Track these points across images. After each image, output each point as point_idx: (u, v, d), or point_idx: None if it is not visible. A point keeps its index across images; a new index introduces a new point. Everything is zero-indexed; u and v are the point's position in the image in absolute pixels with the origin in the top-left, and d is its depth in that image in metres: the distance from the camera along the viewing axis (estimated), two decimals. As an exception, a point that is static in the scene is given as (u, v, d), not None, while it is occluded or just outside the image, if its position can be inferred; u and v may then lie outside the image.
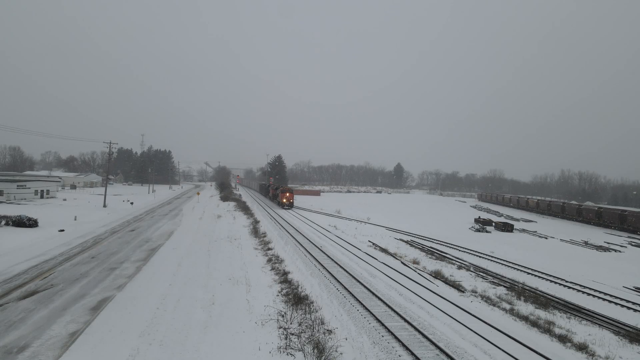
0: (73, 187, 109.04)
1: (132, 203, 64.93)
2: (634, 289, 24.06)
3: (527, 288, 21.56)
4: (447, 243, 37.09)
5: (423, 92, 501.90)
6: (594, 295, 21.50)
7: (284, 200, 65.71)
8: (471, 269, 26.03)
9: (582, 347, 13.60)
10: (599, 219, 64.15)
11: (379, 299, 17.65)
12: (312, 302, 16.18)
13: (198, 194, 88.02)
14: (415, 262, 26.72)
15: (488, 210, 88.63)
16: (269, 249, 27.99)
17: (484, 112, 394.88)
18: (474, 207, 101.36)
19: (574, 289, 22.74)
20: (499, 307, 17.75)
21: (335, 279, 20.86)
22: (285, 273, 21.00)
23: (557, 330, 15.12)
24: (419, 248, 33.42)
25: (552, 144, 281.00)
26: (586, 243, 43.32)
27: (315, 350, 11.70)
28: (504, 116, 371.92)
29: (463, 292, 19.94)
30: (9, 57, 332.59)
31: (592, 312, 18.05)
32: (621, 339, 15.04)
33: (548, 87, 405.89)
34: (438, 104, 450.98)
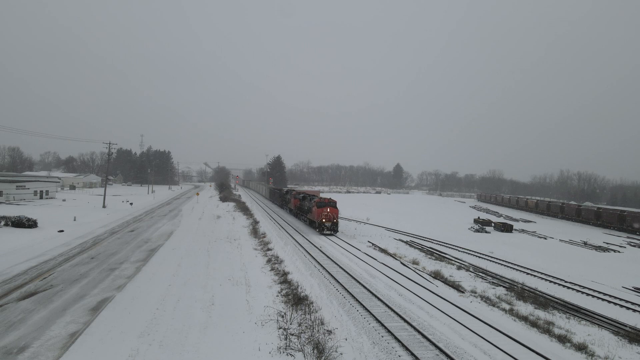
0: (72, 187, 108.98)
1: (131, 203, 64.91)
2: (633, 289, 24.10)
3: (527, 288, 21.59)
4: (446, 243, 37.12)
5: (423, 93, 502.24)
6: (593, 296, 21.54)
7: (323, 220, 37.62)
8: (471, 269, 26.05)
9: (581, 347, 13.62)
10: (598, 219, 64.23)
11: (379, 299, 17.66)
12: (312, 303, 16.19)
13: (197, 194, 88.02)
14: (415, 262, 26.74)
15: (487, 211, 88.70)
16: (269, 249, 28.00)
17: (483, 113, 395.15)
18: (473, 207, 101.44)
19: (573, 289, 22.78)
20: (498, 307, 17.77)
21: (335, 279, 20.87)
22: (285, 273, 21.00)
23: (556, 331, 15.14)
24: (418, 248, 33.44)
25: (551, 144, 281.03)
26: (585, 243, 43.37)
27: (315, 351, 11.70)
28: (503, 117, 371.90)
29: (463, 292, 19.96)
30: (9, 59, 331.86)
31: (592, 312, 18.09)
32: (620, 339, 15.06)
33: (549, 90, 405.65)
34: (437, 104, 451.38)
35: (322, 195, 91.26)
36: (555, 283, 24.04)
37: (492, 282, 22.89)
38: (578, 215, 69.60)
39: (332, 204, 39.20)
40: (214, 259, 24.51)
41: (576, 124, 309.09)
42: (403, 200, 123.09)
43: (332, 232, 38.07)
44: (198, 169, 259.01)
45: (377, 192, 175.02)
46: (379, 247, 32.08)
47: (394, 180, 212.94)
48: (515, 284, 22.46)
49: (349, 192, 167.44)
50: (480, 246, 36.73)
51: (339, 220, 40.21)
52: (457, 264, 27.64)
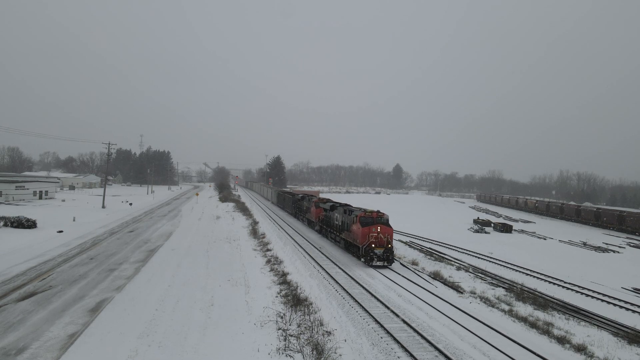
0: (72, 187, 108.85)
1: (130, 204, 64.90)
2: (632, 290, 24.11)
3: (526, 289, 21.59)
4: (446, 244, 37.14)
5: (423, 93, 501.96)
6: (592, 297, 21.55)
7: (372, 244, 24.67)
8: (470, 270, 26.05)
9: (580, 348, 13.61)
10: (597, 219, 64.27)
11: (378, 300, 17.66)
12: (311, 304, 16.18)
13: (197, 194, 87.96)
14: (414, 262, 26.73)
15: (487, 211, 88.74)
16: (268, 250, 27.99)
17: (483, 113, 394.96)
18: (473, 207, 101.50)
19: (572, 290, 22.79)
20: (497, 308, 17.76)
21: (335, 280, 20.87)
22: (284, 274, 20.99)
23: (555, 332, 15.13)
24: (417, 249, 33.44)
25: (551, 144, 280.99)
26: (585, 244, 43.40)
27: (315, 352, 11.69)
28: (503, 117, 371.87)
29: (462, 293, 19.95)
30: (9, 59, 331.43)
31: (591, 313, 18.09)
32: (620, 340, 15.06)
33: (549, 90, 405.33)
34: (437, 104, 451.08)
35: (321, 195, 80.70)
36: (554, 284, 24.04)
37: (492, 282, 22.89)
38: (577, 216, 69.67)
39: (382, 220, 25.68)
40: (213, 260, 24.50)
41: (576, 124, 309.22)
42: (402, 201, 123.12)
43: (386, 264, 24.76)
44: (197, 169, 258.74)
45: (376, 193, 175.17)
46: (378, 247, 32.01)
47: (393, 180, 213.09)
48: (514, 284, 22.46)
49: (349, 192, 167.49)
50: (480, 247, 36.74)
51: None
52: (457, 264, 27.64)
